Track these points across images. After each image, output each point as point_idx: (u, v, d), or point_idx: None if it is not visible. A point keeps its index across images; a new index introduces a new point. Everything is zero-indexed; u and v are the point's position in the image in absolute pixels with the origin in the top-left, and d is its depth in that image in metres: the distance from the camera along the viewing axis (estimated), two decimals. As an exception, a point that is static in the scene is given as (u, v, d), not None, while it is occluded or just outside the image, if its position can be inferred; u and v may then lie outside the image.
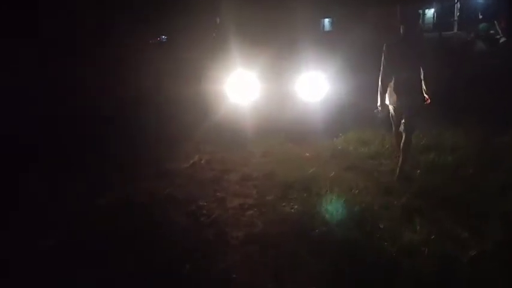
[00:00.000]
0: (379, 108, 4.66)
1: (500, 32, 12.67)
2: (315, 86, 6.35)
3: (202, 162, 5.16)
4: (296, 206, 3.81)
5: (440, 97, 4.58)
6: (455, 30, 17.59)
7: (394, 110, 4.64)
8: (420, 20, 6.39)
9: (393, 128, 5.02)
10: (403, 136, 4.51)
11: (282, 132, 5.99)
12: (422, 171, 4.53)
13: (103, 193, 4.13)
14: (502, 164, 4.48)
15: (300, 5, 6.52)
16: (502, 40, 12.44)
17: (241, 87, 6.16)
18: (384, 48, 4.50)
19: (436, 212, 3.63)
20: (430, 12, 19.75)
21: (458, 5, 17.99)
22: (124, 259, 3.06)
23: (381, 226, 3.38)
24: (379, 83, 4.59)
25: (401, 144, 4.51)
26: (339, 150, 5.43)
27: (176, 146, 5.53)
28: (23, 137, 5.55)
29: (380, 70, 4.57)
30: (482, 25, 13.49)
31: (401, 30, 4.41)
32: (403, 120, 4.52)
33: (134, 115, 5.89)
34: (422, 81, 4.29)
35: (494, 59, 10.33)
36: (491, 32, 12.94)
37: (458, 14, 18.17)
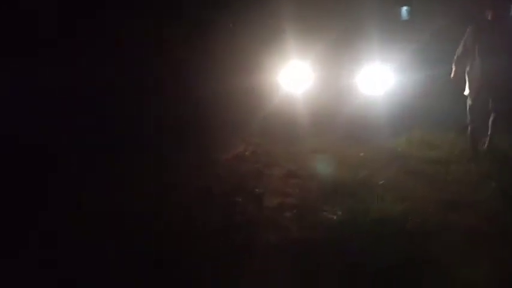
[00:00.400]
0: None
1: None
2: (378, 78, 5.76)
3: (247, 154, 4.87)
4: (339, 213, 3.39)
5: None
6: None
7: (475, 101, 4.38)
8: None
9: (469, 128, 4.50)
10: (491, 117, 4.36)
11: (337, 128, 5.52)
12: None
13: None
14: None
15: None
16: None
17: (296, 78, 5.75)
18: (469, 30, 4.33)
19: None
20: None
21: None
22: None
23: (431, 256, 2.83)
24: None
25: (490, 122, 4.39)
26: (399, 152, 4.86)
27: (223, 137, 5.26)
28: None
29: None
30: None
31: (489, 16, 3.94)
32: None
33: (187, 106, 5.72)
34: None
35: None
36: None
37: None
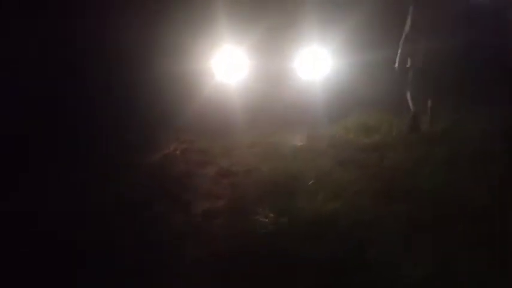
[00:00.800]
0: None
1: None
2: (316, 62, 5.55)
3: (178, 152, 4.52)
4: (271, 215, 3.15)
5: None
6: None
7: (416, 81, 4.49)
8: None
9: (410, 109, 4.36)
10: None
11: (275, 117, 5.27)
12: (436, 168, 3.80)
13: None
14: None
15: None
16: None
17: (230, 65, 5.41)
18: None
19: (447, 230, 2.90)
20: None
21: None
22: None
23: (368, 255, 2.67)
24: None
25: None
26: (336, 139, 4.69)
27: (152, 134, 4.86)
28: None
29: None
30: None
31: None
32: None
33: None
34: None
35: None
36: None
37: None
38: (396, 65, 4.71)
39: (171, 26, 5.19)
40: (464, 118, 4.83)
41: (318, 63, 5.53)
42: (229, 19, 5.25)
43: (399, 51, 4.64)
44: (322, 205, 3.15)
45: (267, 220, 3.11)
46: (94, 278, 2.51)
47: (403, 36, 4.55)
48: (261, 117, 5.30)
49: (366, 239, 2.82)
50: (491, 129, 4.45)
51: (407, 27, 4.45)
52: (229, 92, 5.46)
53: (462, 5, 5.27)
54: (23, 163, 4.01)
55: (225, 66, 5.40)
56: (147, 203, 3.32)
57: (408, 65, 4.61)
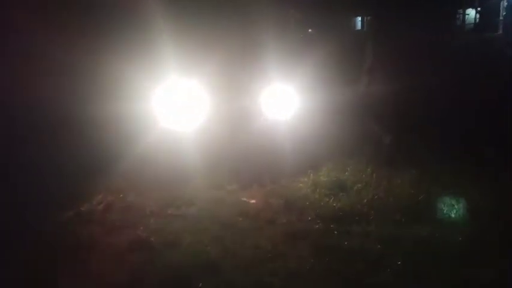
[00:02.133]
0: None
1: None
2: (281, 101, 4.74)
3: (100, 208, 3.68)
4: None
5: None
6: (500, 31, 15.20)
7: None
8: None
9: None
10: None
11: (232, 165, 4.42)
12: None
13: None
14: None
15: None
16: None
17: (181, 102, 4.61)
18: None
19: None
20: (472, 13, 17.29)
21: (505, 4, 15.56)
22: None
23: None
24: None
25: None
26: (298, 197, 3.79)
27: (83, 182, 4.03)
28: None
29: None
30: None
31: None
32: None
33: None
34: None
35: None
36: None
37: (504, 13, 15.72)
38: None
39: (113, 61, 4.48)
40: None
41: (283, 101, 4.73)
42: (180, 51, 4.50)
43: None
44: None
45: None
46: None
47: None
48: (218, 164, 4.48)
49: None
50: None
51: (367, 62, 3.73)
52: (184, 135, 4.67)
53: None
54: None
55: (176, 103, 4.61)
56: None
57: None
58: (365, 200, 3.63)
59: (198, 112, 4.60)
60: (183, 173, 4.23)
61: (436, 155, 4.56)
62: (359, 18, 17.38)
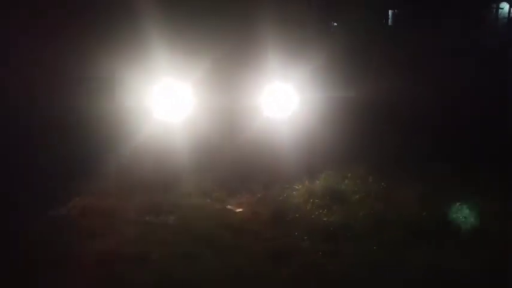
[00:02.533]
0: None
1: None
2: (281, 100, 4.40)
3: (74, 212, 3.45)
4: None
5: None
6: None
7: None
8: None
9: None
10: None
11: (223, 167, 4.13)
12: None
13: None
14: None
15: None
16: None
17: (171, 102, 4.32)
18: None
19: None
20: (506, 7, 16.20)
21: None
22: None
23: None
24: None
25: None
26: (289, 208, 3.48)
27: (64, 184, 3.80)
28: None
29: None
30: None
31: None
32: None
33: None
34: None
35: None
36: None
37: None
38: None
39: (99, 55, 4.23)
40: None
41: (284, 100, 4.39)
42: (172, 50, 4.21)
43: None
44: None
45: None
46: None
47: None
48: (209, 166, 4.20)
49: None
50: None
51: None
52: (175, 133, 4.40)
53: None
54: None
55: (166, 103, 4.33)
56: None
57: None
58: (361, 214, 3.29)
59: (191, 111, 4.32)
60: (170, 174, 3.99)
61: (448, 162, 4.18)
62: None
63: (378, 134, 4.56)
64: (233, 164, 4.15)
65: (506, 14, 15.81)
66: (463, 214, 3.38)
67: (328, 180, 3.89)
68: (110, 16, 4.39)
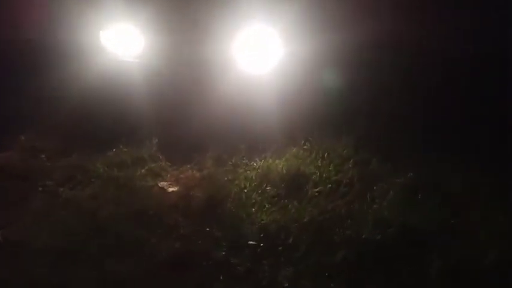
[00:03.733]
0: None
1: None
2: (260, 48, 3.47)
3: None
4: None
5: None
6: None
7: None
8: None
9: None
10: None
11: (177, 131, 3.43)
12: None
13: None
14: None
15: None
16: None
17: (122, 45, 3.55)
18: None
19: None
20: None
21: None
22: None
23: None
24: None
25: None
26: (230, 195, 2.77)
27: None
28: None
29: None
30: None
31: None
32: None
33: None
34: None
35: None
36: None
37: None
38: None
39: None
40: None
41: (266, 48, 3.44)
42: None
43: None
44: None
45: None
46: None
47: None
48: (167, 126, 3.53)
49: None
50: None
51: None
52: (130, 80, 3.70)
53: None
54: None
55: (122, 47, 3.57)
56: None
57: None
58: (306, 220, 2.51)
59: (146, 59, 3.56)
60: (119, 130, 3.40)
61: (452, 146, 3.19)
62: None
63: (376, 93, 3.57)
64: (192, 127, 3.44)
65: None
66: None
67: (295, 160, 3.09)
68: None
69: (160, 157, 3.19)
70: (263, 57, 3.53)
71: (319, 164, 3.09)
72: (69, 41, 3.77)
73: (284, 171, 2.97)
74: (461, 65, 3.71)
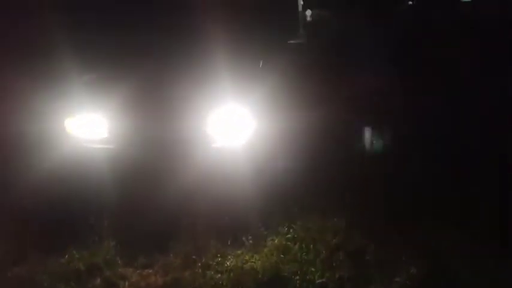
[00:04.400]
0: None
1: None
2: (234, 125, 3.08)
3: None
4: None
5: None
6: None
7: None
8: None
9: None
10: None
11: (146, 217, 3.01)
12: None
13: None
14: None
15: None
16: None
17: (90, 128, 3.22)
18: None
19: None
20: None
21: None
22: None
23: None
24: None
25: None
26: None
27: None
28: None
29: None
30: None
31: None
32: None
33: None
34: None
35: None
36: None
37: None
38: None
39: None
40: None
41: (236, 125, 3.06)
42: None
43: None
44: None
45: None
46: None
47: None
48: (132, 218, 3.09)
49: None
50: None
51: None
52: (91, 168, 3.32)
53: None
54: None
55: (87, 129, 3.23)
56: None
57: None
58: None
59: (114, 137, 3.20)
60: (76, 216, 3.01)
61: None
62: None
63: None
64: (158, 218, 3.01)
65: None
66: None
67: (274, 257, 2.61)
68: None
69: (119, 261, 2.75)
70: (236, 133, 3.14)
71: (304, 259, 2.61)
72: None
73: (260, 274, 2.50)
74: None
